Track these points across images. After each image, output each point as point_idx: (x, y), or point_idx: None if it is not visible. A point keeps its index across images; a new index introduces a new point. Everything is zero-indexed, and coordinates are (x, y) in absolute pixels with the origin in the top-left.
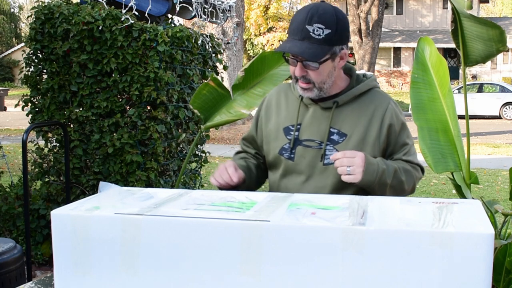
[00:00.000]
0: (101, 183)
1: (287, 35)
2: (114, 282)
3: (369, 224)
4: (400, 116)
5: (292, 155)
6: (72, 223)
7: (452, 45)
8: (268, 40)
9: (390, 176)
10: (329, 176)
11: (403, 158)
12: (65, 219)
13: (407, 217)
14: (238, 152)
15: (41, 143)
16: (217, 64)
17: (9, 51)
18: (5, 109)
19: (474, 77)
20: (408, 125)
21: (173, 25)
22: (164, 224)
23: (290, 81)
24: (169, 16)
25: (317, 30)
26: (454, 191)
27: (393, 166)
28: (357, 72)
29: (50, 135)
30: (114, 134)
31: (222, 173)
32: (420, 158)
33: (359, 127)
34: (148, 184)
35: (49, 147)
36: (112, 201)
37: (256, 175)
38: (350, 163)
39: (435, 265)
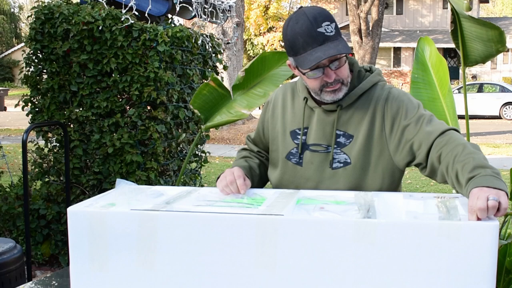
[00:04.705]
0: (118, 180)
1: (294, 53)
2: (130, 276)
3: (379, 217)
4: (402, 96)
5: (301, 161)
6: (89, 219)
7: (452, 45)
8: (268, 40)
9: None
10: (339, 181)
11: (424, 127)
12: (82, 216)
13: (413, 210)
14: (243, 149)
15: (41, 143)
16: (217, 64)
17: (9, 51)
18: (5, 109)
19: (474, 77)
20: None
21: (173, 25)
22: (181, 219)
23: (291, 80)
24: (169, 16)
25: (328, 28)
26: (454, 191)
27: (480, 154)
28: (363, 66)
29: (50, 135)
30: (114, 134)
31: (231, 184)
32: None
33: (363, 126)
34: (148, 184)
35: (49, 147)
36: (126, 198)
37: (259, 174)
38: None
39: (443, 255)
